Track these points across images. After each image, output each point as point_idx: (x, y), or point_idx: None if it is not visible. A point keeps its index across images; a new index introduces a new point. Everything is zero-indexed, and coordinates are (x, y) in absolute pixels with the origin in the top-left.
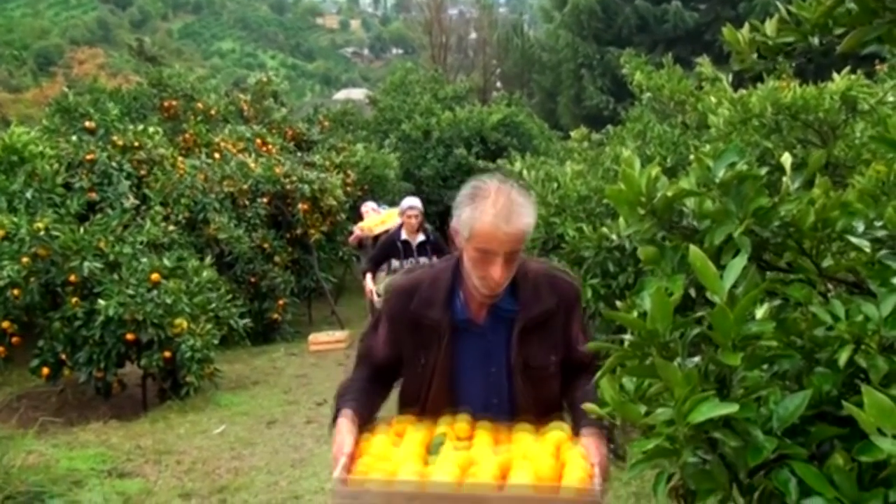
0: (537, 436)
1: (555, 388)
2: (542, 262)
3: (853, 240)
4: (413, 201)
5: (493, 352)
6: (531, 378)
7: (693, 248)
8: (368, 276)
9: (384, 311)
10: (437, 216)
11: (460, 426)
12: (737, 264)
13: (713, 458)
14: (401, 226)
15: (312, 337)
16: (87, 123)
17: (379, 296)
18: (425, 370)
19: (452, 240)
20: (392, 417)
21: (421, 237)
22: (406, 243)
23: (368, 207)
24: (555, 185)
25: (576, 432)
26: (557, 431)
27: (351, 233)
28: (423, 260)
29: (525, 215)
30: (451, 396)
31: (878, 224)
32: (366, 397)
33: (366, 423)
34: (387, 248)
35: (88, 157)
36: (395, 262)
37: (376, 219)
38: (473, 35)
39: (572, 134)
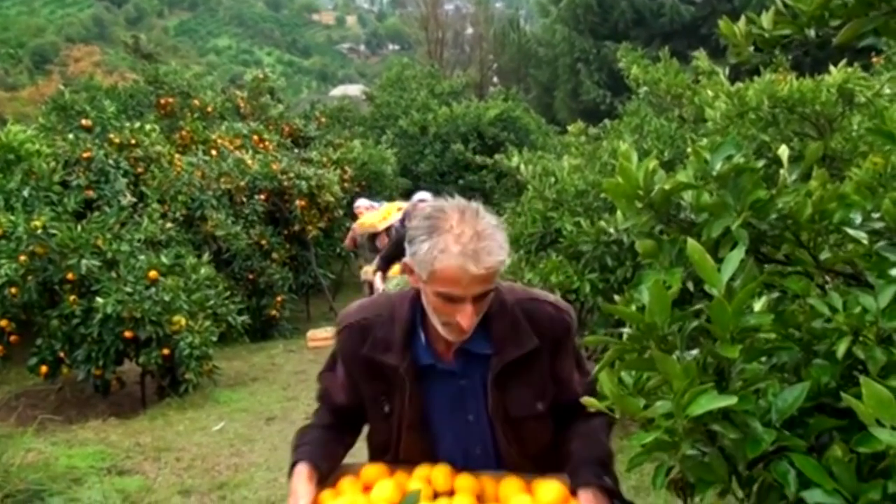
0: (528, 492)
1: (545, 436)
2: (524, 290)
3: (851, 232)
4: (424, 195)
5: (468, 397)
6: (515, 428)
7: (691, 242)
8: (378, 275)
9: (337, 351)
10: None
11: (438, 479)
12: (734, 257)
13: (712, 450)
14: None
15: (311, 333)
16: (83, 121)
17: None
18: (391, 419)
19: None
20: (360, 465)
21: None
22: None
23: (362, 206)
24: (552, 179)
25: (574, 487)
26: (551, 487)
27: (349, 229)
28: None
29: (496, 250)
30: (426, 447)
31: (876, 216)
32: (326, 447)
33: (327, 476)
34: (400, 245)
35: (85, 154)
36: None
37: (378, 214)
38: (470, 30)
39: (569, 128)
